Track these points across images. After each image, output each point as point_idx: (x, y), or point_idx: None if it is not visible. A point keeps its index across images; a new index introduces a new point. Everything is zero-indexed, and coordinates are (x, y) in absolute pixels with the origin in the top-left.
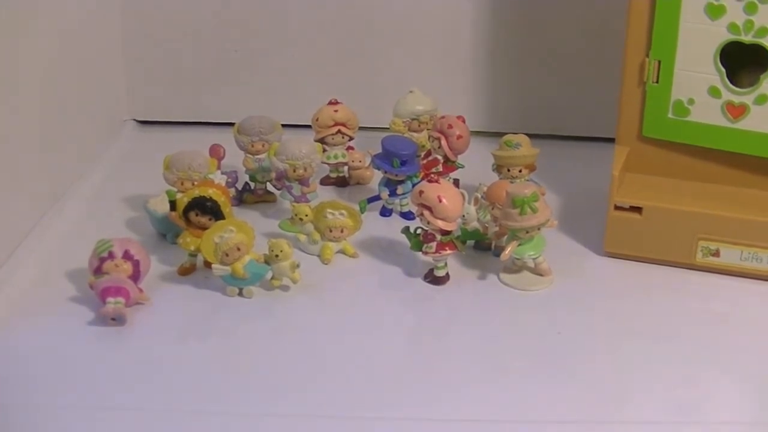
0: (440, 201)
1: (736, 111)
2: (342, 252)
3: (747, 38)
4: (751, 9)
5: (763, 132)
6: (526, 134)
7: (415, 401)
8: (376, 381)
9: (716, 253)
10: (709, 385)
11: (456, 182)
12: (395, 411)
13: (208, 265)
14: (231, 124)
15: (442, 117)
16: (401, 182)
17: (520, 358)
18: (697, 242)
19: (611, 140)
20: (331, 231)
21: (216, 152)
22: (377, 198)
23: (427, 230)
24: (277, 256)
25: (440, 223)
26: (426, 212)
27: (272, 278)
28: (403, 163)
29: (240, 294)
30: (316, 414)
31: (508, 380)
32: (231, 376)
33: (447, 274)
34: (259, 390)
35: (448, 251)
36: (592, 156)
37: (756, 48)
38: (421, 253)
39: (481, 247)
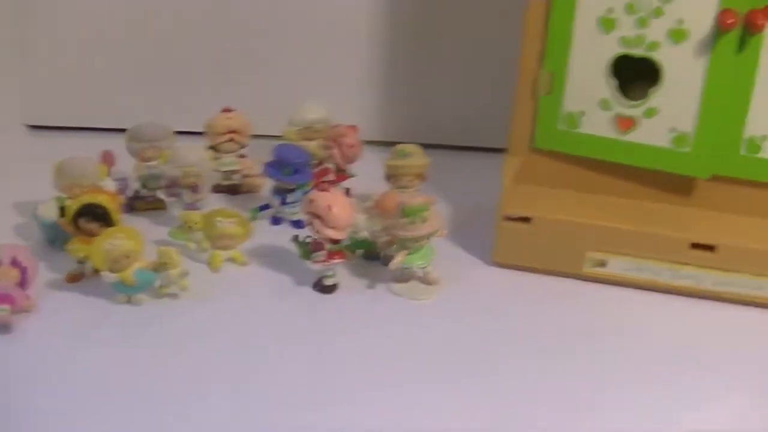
0: (330, 210)
1: (626, 123)
2: (231, 260)
3: (638, 52)
4: (642, 23)
5: (651, 144)
6: (419, 144)
7: (305, 409)
8: (265, 389)
9: (603, 264)
10: (596, 392)
11: (347, 191)
12: (285, 419)
13: (97, 272)
14: (122, 131)
15: (335, 126)
16: (292, 191)
17: (409, 366)
18: (584, 253)
19: (503, 151)
20: (220, 239)
21: (107, 159)
22: (268, 206)
23: (316, 239)
24: (165, 264)
25: (330, 232)
26: (316, 221)
27: (161, 286)
28: (295, 171)
29: (129, 302)
30: (203, 423)
31: (396, 389)
32: (119, 384)
33: (336, 283)
34: (147, 399)
35: (338, 260)
36: (484, 166)
37: (647, 62)
38: (310, 262)
39: (371, 256)
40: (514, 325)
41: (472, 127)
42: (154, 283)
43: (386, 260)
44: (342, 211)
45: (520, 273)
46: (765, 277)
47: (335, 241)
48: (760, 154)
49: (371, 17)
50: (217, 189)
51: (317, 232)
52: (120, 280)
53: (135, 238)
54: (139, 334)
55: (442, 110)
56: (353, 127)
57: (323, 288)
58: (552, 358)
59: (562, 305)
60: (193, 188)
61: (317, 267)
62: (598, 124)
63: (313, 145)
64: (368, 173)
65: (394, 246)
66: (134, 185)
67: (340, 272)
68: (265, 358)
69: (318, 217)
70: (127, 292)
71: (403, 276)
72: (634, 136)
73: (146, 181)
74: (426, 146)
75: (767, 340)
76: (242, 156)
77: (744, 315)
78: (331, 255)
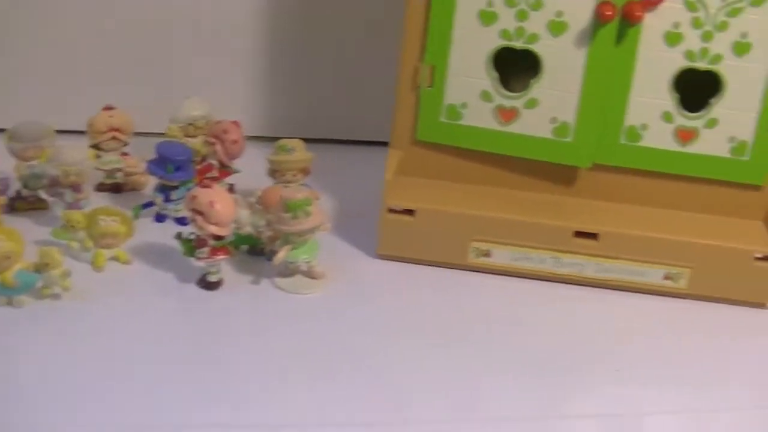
0: (213, 206)
1: (508, 115)
2: (115, 259)
3: (518, 44)
4: (522, 16)
5: (533, 135)
6: (302, 139)
7: (191, 407)
8: (150, 388)
9: (488, 254)
10: (484, 382)
11: (231, 187)
12: (171, 418)
13: None
14: (2, 130)
15: (218, 122)
16: (176, 188)
17: (297, 360)
18: (468, 243)
19: (387, 144)
20: (103, 238)
21: None
22: (151, 204)
23: (200, 236)
24: (47, 264)
25: (213, 228)
26: (199, 217)
27: (43, 287)
28: (178, 168)
29: (10, 304)
30: (87, 425)
31: (284, 383)
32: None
33: (220, 279)
34: (29, 399)
35: (221, 256)
36: (368, 160)
37: (527, 54)
38: (194, 258)
39: (255, 251)
40: (400, 317)
41: (355, 121)
42: (36, 284)
43: (271, 255)
44: (224, 207)
45: (405, 265)
46: (647, 264)
47: (218, 238)
48: (640, 143)
49: (251, 12)
50: (100, 187)
51: (200, 228)
52: (0, 282)
53: (15, 239)
54: (21, 335)
55: (325, 104)
56: (236, 123)
57: (207, 284)
58: (437, 349)
59: (447, 296)
60: (75, 187)
61: (201, 264)
62: (479, 116)
63: (195, 142)
64: (251, 169)
65: (279, 241)
66: (15, 185)
67: (224, 268)
68: (150, 356)
69: (201, 213)
70: (7, 294)
71: (288, 271)
72: (515, 127)
73: (27, 181)
74: (309, 141)
75: (650, 325)
76: (125, 154)
77: (627, 301)
78: (214, 251)
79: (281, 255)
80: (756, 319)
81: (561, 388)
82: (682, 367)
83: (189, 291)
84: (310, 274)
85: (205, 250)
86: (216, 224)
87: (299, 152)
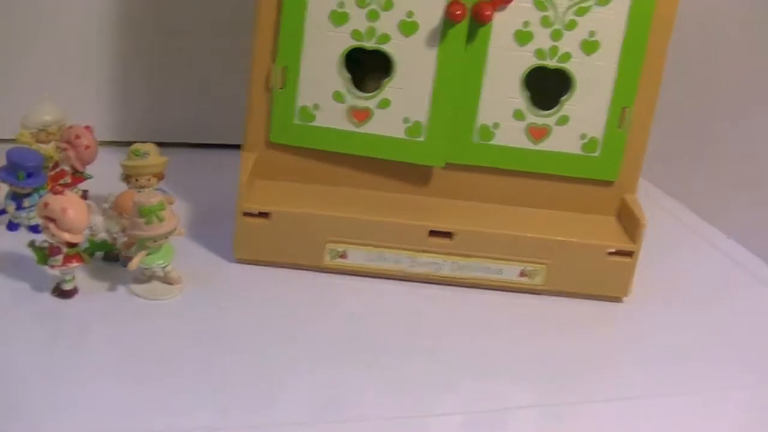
0: (65, 213)
1: (360, 115)
2: None
3: (370, 44)
4: (373, 16)
5: (386, 135)
6: (156, 143)
7: (50, 416)
8: (3, 399)
9: (344, 255)
10: (345, 383)
11: (85, 193)
12: (22, 428)
13: None
14: None
15: (70, 127)
16: (28, 195)
17: (154, 366)
18: (324, 245)
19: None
20: None
21: None
22: (3, 212)
23: (53, 243)
24: None
25: (66, 236)
26: (51, 225)
27: None
28: (29, 175)
29: None
30: None
31: (142, 389)
32: None
33: (75, 287)
34: None
35: (75, 264)
36: (223, 163)
37: (379, 54)
38: (48, 267)
39: (110, 258)
40: (257, 320)
41: (209, 124)
42: None
43: (126, 261)
44: (77, 214)
45: (262, 268)
46: (503, 261)
47: (72, 245)
48: (493, 141)
49: (102, 14)
50: None
51: (53, 236)
52: None
53: None
54: None
55: (178, 108)
56: (88, 128)
57: (62, 293)
58: (296, 351)
59: (304, 298)
60: None
61: (55, 272)
62: (333, 117)
63: (48, 148)
64: (105, 174)
65: (134, 247)
66: None
67: (79, 276)
68: (4, 367)
69: (53, 220)
70: None
71: (144, 277)
72: (369, 128)
73: None
74: (163, 145)
75: (508, 322)
76: None
77: (484, 299)
78: (68, 259)
79: (136, 261)
80: (612, 312)
81: (421, 387)
82: (540, 362)
83: (44, 300)
84: (166, 280)
85: (59, 257)
86: (69, 231)
87: (153, 156)
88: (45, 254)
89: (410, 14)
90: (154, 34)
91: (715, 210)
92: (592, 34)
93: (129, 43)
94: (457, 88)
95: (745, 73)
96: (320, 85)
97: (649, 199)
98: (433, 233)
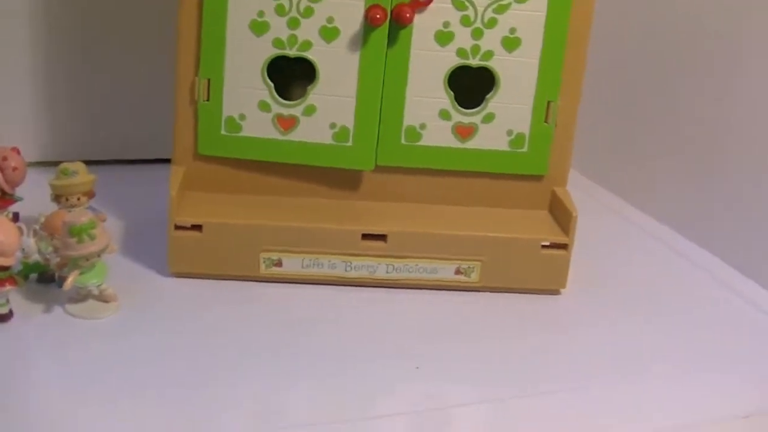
0: None
1: (286, 123)
2: None
3: (292, 52)
4: (293, 24)
5: (314, 142)
6: (85, 161)
7: None
8: None
9: (279, 263)
10: (288, 390)
11: (15, 216)
12: None
13: None
14: None
15: None
16: None
17: (95, 385)
18: (259, 254)
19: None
20: None
21: None
22: None
23: None
24: None
25: None
26: None
27: None
28: None
29: None
30: None
31: (85, 408)
32: None
33: (10, 310)
34: None
35: (9, 287)
36: (154, 178)
37: (303, 61)
38: None
39: (45, 279)
40: (194, 333)
41: (137, 140)
42: None
43: (61, 282)
44: (8, 237)
45: (199, 281)
46: (438, 261)
47: (4, 268)
48: (420, 142)
49: (23, 33)
50: None
51: None
52: None
53: None
54: None
55: (105, 125)
56: (15, 150)
57: None
58: (237, 361)
59: (242, 308)
60: None
61: None
62: (259, 127)
63: None
64: (35, 195)
65: (67, 267)
66: None
67: (13, 299)
68: None
69: None
70: None
71: (79, 296)
72: (296, 135)
73: None
74: (92, 163)
75: (446, 321)
76: None
77: (421, 299)
78: (1, 282)
79: (70, 280)
80: (550, 306)
81: (364, 390)
82: (481, 358)
83: None
84: (102, 298)
85: None
86: (0, 254)
87: (82, 175)
88: None
89: (330, 20)
90: (77, 52)
91: (648, 198)
92: (512, 31)
93: (52, 63)
94: (382, 91)
95: (672, 60)
96: (245, 95)
97: (583, 192)
98: (367, 236)
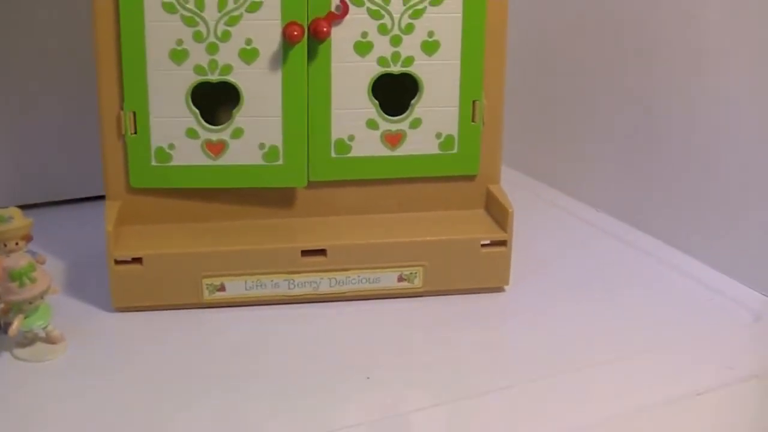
0: None
1: (216, 148)
2: None
3: (214, 77)
4: (212, 49)
5: (245, 164)
6: (19, 206)
7: None
8: None
9: (222, 288)
10: (245, 415)
11: None
12: None
13: None
14: None
15: None
16: None
17: (47, 429)
18: (200, 281)
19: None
20: None
21: None
22: None
23: None
24: None
25: None
26: None
27: None
28: None
29: None
30: None
31: None
32: None
33: None
34: None
35: None
36: (91, 215)
37: (227, 85)
38: None
39: None
40: (143, 366)
41: (69, 179)
42: None
43: (6, 327)
44: None
45: (144, 314)
46: (380, 269)
47: None
48: (350, 154)
49: None
50: None
51: None
52: None
53: None
54: None
55: (37, 167)
56: None
57: None
58: (190, 391)
59: (189, 337)
60: None
61: None
62: (188, 154)
63: None
64: None
65: (11, 312)
66: None
67: None
68: None
69: None
70: None
71: (27, 340)
72: (226, 159)
73: None
74: (27, 207)
75: (393, 329)
76: None
77: (367, 309)
78: None
79: (16, 325)
80: (494, 303)
81: (318, 406)
82: (432, 362)
83: None
84: (49, 340)
85: None
86: None
87: (18, 220)
88: None
89: (249, 42)
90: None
91: (581, 187)
92: (430, 34)
93: None
94: (307, 107)
95: (590, 49)
96: (172, 125)
97: (517, 186)
98: (306, 252)
